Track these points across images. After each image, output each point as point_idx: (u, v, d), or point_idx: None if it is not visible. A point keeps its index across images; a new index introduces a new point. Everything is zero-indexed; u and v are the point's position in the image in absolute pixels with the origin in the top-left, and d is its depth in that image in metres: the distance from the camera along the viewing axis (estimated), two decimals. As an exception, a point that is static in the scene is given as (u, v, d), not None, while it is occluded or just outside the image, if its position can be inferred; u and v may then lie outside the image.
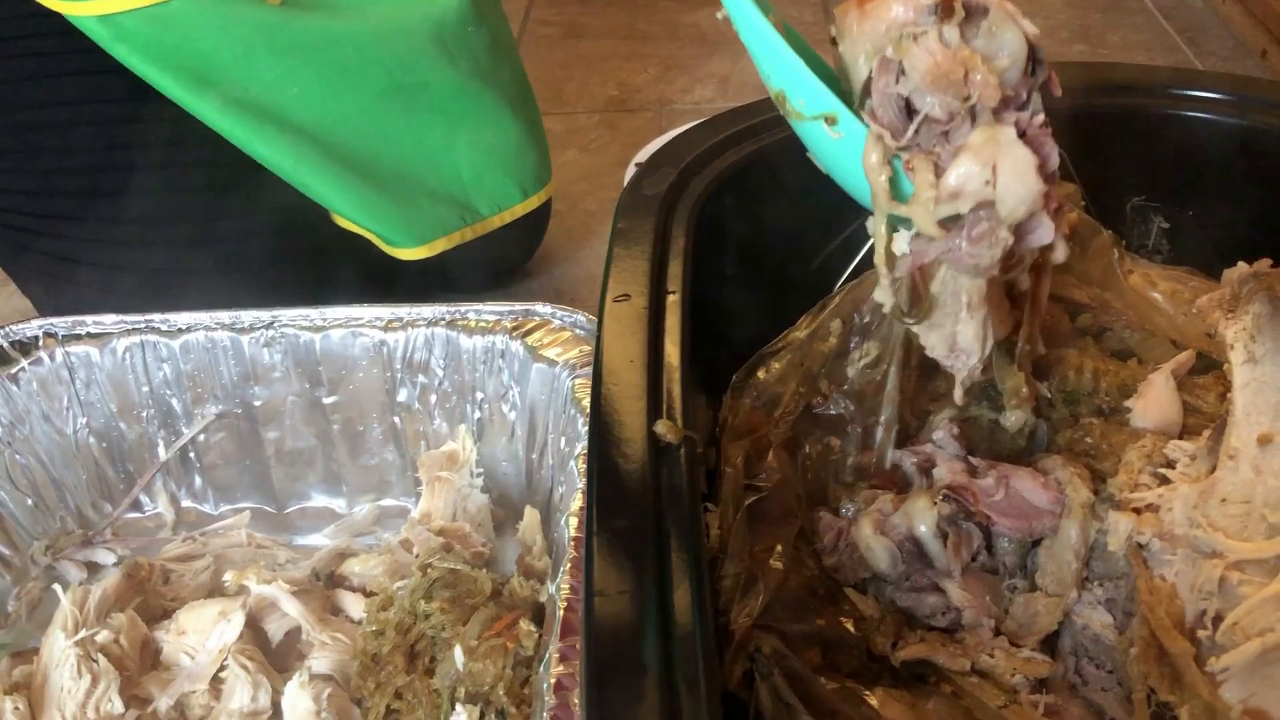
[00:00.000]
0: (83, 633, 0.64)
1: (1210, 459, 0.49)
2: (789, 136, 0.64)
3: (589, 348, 0.71)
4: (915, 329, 0.49)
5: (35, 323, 0.75)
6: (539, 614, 0.65)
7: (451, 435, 0.77)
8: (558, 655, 0.53)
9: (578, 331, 0.73)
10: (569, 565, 0.58)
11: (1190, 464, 0.50)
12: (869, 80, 0.45)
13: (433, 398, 0.76)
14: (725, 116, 0.68)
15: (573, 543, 0.59)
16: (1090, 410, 0.57)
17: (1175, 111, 0.69)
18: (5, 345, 0.74)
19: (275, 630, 0.67)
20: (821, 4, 1.43)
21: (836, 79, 0.48)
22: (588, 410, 0.65)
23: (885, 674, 0.50)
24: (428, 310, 0.74)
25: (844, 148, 0.47)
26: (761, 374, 0.60)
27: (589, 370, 0.69)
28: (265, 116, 0.79)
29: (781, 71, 0.48)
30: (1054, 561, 0.50)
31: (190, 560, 0.73)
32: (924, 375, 0.59)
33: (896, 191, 0.45)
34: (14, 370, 0.73)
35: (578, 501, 0.62)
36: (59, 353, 0.74)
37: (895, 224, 0.47)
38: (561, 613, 0.56)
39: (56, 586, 0.68)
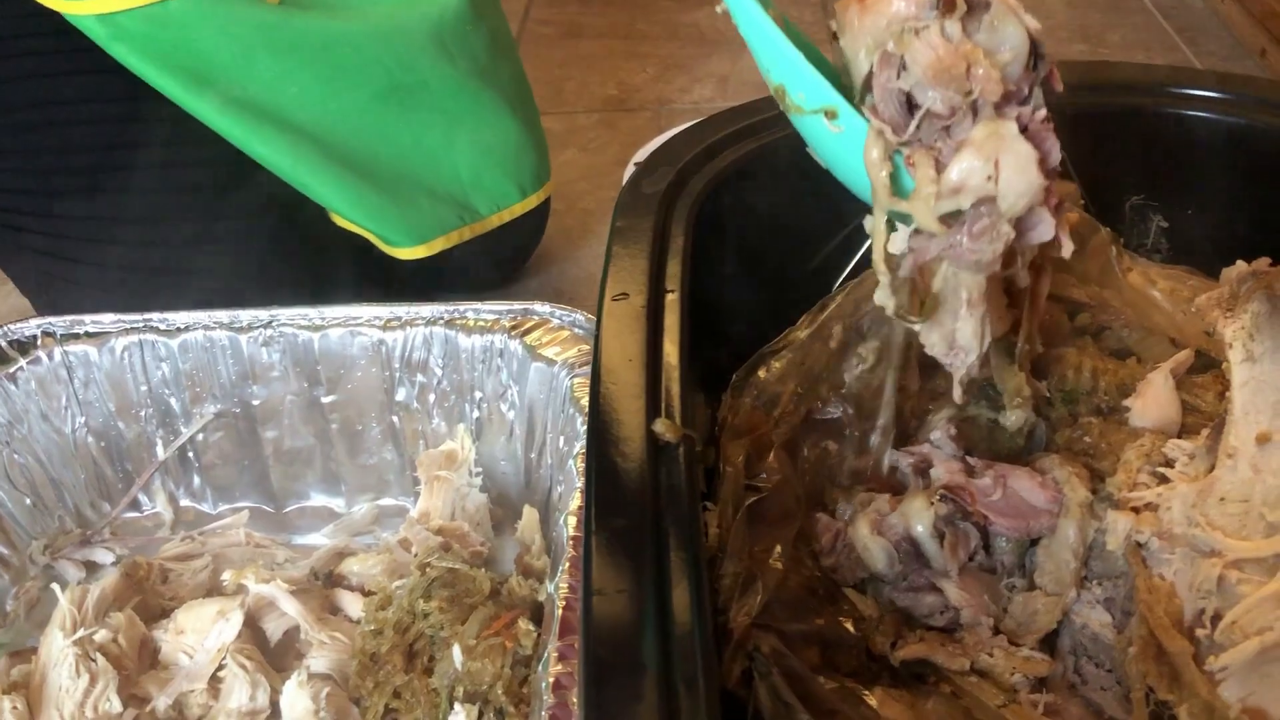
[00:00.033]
0: (81, 632, 0.64)
1: (1209, 458, 0.49)
2: (788, 135, 0.65)
3: (588, 347, 0.71)
4: (917, 328, 0.49)
5: (34, 322, 0.75)
6: (537, 613, 0.65)
7: (450, 434, 0.77)
8: (556, 654, 0.53)
9: (576, 330, 0.73)
10: (567, 564, 0.58)
11: (1189, 463, 0.50)
12: (870, 75, 0.45)
13: (431, 397, 0.76)
14: (724, 115, 0.68)
15: (571, 542, 0.59)
16: (1089, 409, 0.57)
17: (1174, 111, 0.69)
18: (4, 344, 0.74)
19: (274, 629, 0.67)
20: (821, 3, 1.43)
21: (836, 74, 0.48)
22: (586, 409, 0.65)
23: (884, 673, 0.50)
24: (426, 309, 0.74)
25: (844, 142, 0.47)
26: (762, 373, 0.60)
27: (588, 369, 0.69)
28: (264, 116, 0.79)
29: (781, 65, 0.48)
30: (1052, 561, 0.50)
31: (189, 559, 0.73)
32: (924, 375, 0.59)
33: (897, 187, 0.45)
34: (12, 369, 0.73)
35: (576, 500, 0.62)
36: (57, 352, 0.74)
37: (894, 221, 0.47)
38: (560, 612, 0.56)
39: (55, 586, 0.68)
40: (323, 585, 0.71)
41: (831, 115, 0.46)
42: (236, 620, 0.65)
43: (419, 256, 0.88)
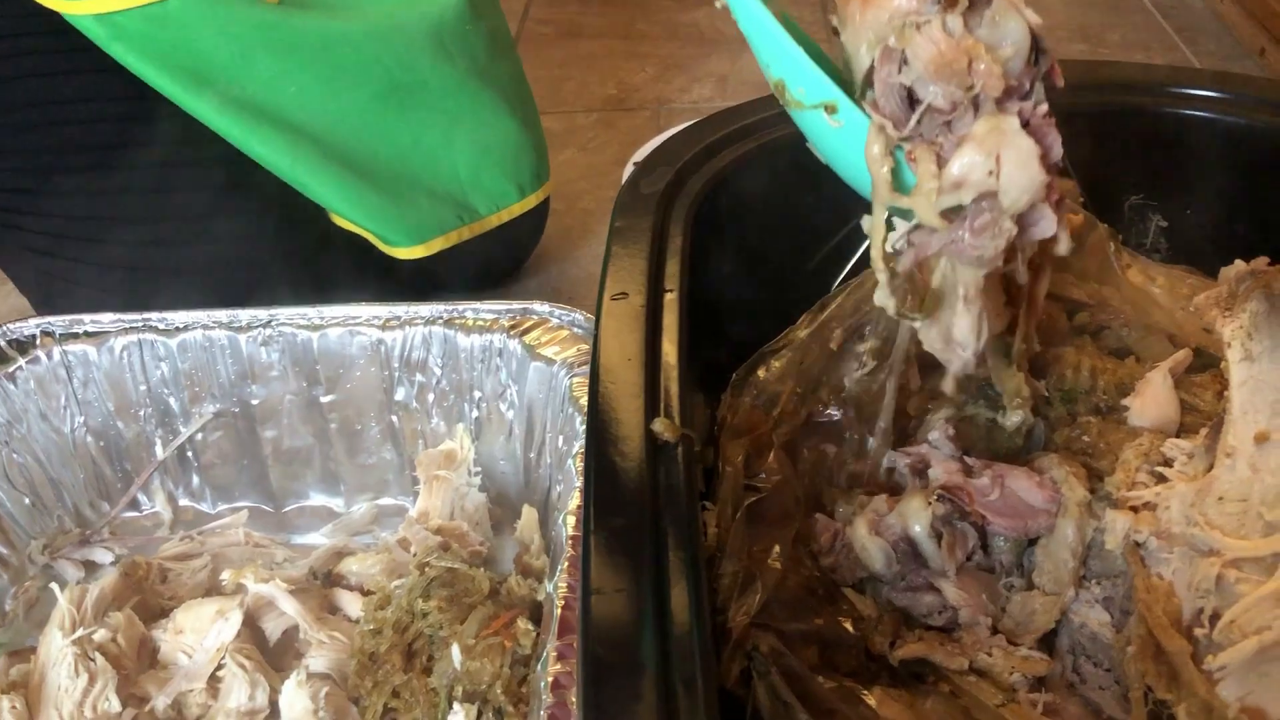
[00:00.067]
0: (80, 631, 0.64)
1: (1207, 457, 0.49)
2: (786, 135, 0.65)
3: (587, 346, 0.71)
4: (917, 325, 0.49)
5: (33, 321, 0.75)
6: (536, 613, 0.65)
7: (449, 434, 0.77)
8: (555, 654, 0.53)
9: (575, 330, 0.73)
10: (566, 564, 0.58)
11: (1187, 462, 0.50)
12: (871, 70, 0.45)
13: (430, 396, 0.76)
14: (723, 115, 0.68)
15: (570, 541, 0.59)
16: (1088, 409, 0.57)
17: (1174, 110, 0.69)
18: (3, 344, 0.73)
19: (273, 629, 0.67)
20: (820, 3, 1.43)
21: (835, 70, 0.48)
22: (585, 409, 0.65)
23: (883, 673, 0.50)
24: (425, 309, 0.74)
25: (844, 138, 0.47)
26: (761, 372, 0.60)
27: (587, 369, 0.69)
28: (263, 116, 0.79)
29: (781, 60, 0.48)
30: (1051, 560, 0.50)
31: (188, 559, 0.73)
32: (923, 375, 0.59)
33: (898, 183, 0.45)
34: (11, 369, 0.73)
35: (575, 500, 0.62)
36: (56, 351, 0.74)
37: (893, 217, 0.47)
38: (559, 611, 0.56)
39: (54, 585, 0.68)
40: (322, 585, 0.71)
41: (831, 110, 0.46)
42: (235, 620, 0.65)
43: (418, 256, 0.88)
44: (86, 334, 0.74)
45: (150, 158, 0.80)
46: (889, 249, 0.47)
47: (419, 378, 0.75)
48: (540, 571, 0.68)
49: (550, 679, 0.52)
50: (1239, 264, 0.52)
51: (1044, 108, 0.44)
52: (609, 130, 1.28)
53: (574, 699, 0.51)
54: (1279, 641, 0.42)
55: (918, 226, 0.46)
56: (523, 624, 0.62)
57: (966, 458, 0.54)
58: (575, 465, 0.64)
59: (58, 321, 0.74)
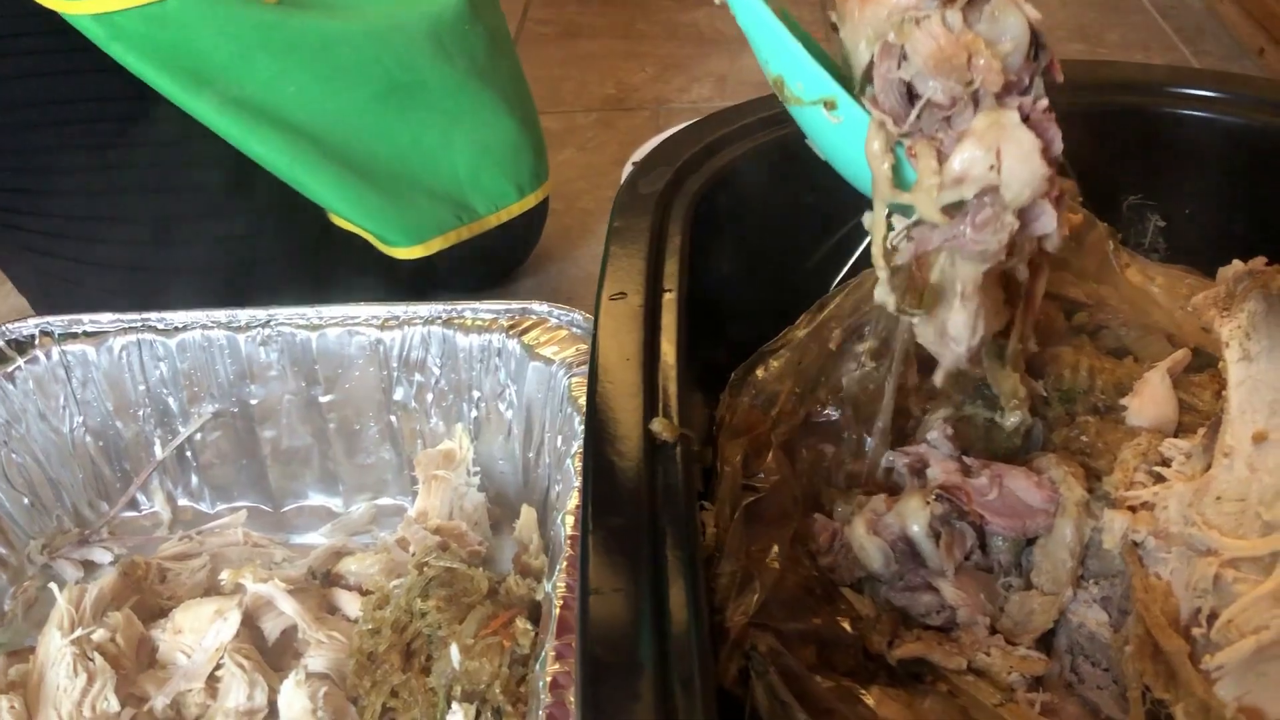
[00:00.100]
0: (79, 631, 0.64)
1: (1205, 457, 0.49)
2: (785, 135, 0.65)
3: (586, 346, 0.71)
4: (915, 322, 0.49)
5: (32, 321, 0.75)
6: (535, 612, 0.65)
7: (448, 434, 0.77)
8: (554, 653, 0.53)
9: (574, 330, 0.73)
10: (565, 564, 0.58)
11: (1186, 462, 0.50)
12: (870, 66, 0.44)
13: (429, 396, 0.76)
14: (721, 115, 0.68)
15: (569, 541, 0.59)
16: (1086, 408, 0.57)
17: (1172, 110, 0.69)
18: (1, 344, 0.74)
19: (271, 629, 0.67)
20: (819, 1, 1.43)
21: (834, 66, 0.48)
22: (584, 409, 0.65)
23: (882, 673, 0.50)
24: (424, 309, 0.74)
25: (843, 134, 0.46)
26: (760, 372, 0.60)
27: (585, 369, 0.69)
28: (262, 116, 0.79)
29: (780, 56, 0.47)
30: (1049, 560, 0.50)
31: (187, 559, 0.73)
32: (922, 374, 0.59)
33: (899, 179, 0.45)
34: (10, 369, 0.73)
35: (574, 500, 0.62)
36: (55, 351, 0.74)
37: (894, 213, 0.47)
38: (557, 611, 0.56)
39: (53, 585, 0.68)
40: (320, 584, 0.71)
41: (830, 106, 0.46)
42: (234, 620, 0.65)
43: (416, 256, 0.88)
44: (85, 334, 0.74)
45: (149, 158, 0.80)
46: (889, 245, 0.47)
47: (418, 377, 0.75)
48: (539, 571, 0.68)
49: (549, 679, 0.52)
50: (1237, 264, 0.52)
51: (1044, 102, 0.44)
52: (608, 130, 1.28)
53: (572, 698, 0.51)
54: (1277, 641, 0.42)
55: (918, 222, 0.46)
56: (521, 624, 0.62)
57: (965, 457, 0.54)
58: (574, 465, 0.65)
59: (56, 321, 0.74)
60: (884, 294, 0.48)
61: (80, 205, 0.81)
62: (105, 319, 0.74)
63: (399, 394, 0.76)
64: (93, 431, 0.76)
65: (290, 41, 0.79)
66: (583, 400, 0.67)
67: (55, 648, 0.63)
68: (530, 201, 0.94)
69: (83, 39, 0.73)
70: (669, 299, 0.54)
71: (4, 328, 0.74)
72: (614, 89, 1.38)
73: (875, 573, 0.52)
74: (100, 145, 0.79)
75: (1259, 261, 0.51)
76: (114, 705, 0.62)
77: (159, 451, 0.77)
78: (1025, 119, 0.43)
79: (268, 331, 0.74)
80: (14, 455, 0.73)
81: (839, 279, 0.63)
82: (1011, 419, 0.55)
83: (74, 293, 0.84)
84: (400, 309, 0.74)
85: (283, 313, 0.74)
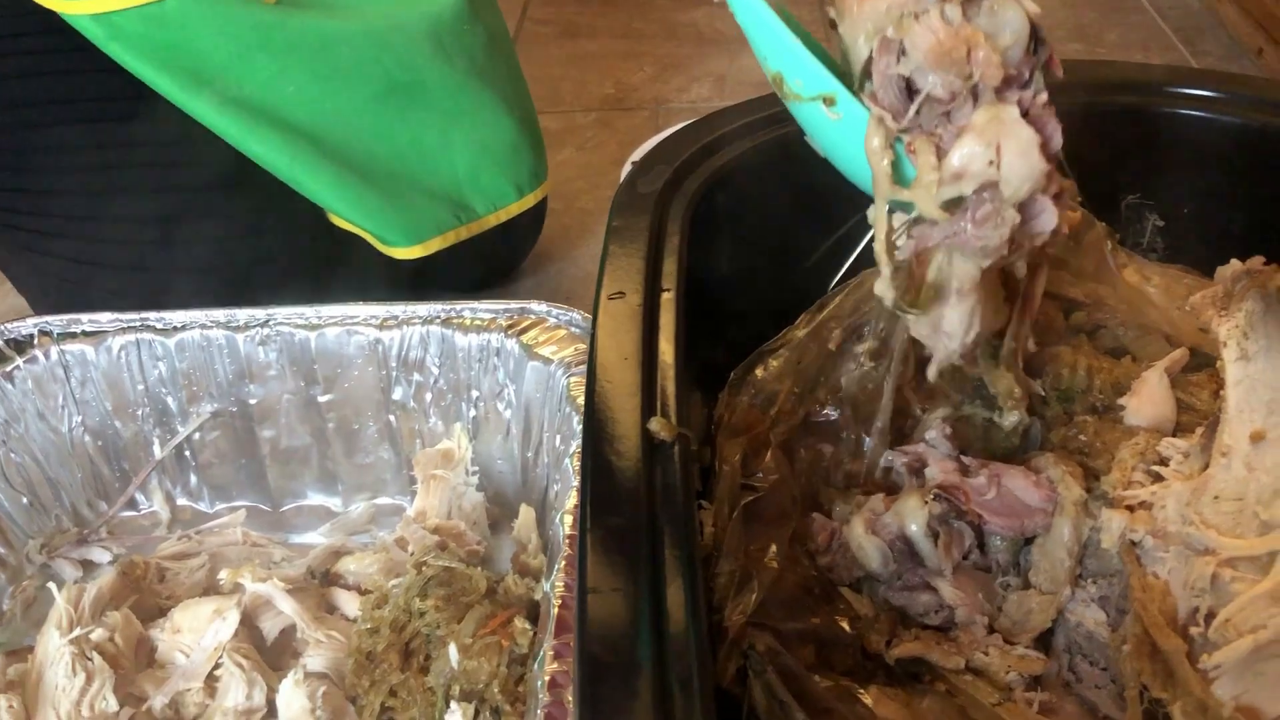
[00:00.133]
0: (77, 631, 0.64)
1: (1203, 456, 0.49)
2: (784, 134, 0.65)
3: (584, 346, 0.71)
4: (912, 318, 0.49)
5: (30, 321, 0.75)
6: (534, 612, 0.65)
7: (447, 433, 0.77)
8: (552, 653, 0.53)
9: (573, 330, 0.73)
10: (563, 563, 0.58)
11: (1183, 461, 0.50)
12: (869, 62, 0.44)
13: (428, 396, 0.76)
14: (720, 115, 0.68)
15: (567, 541, 0.59)
16: (1084, 408, 0.57)
17: (1171, 110, 0.69)
18: (0, 343, 0.73)
19: (270, 628, 0.67)
20: (818, 0, 1.43)
21: (833, 63, 0.48)
22: (583, 408, 0.65)
23: (880, 672, 0.50)
24: (423, 308, 0.74)
25: (843, 130, 0.46)
26: (759, 372, 0.60)
27: (584, 368, 0.69)
28: (261, 115, 0.79)
29: (778, 52, 0.47)
30: (1047, 559, 0.50)
31: (185, 558, 0.73)
32: (920, 374, 0.59)
33: (898, 175, 0.45)
34: (9, 368, 0.73)
35: (573, 499, 0.62)
36: (54, 351, 0.74)
37: (895, 209, 0.47)
38: (556, 610, 0.56)
39: (51, 585, 0.68)
40: (319, 584, 0.71)
41: (830, 102, 0.46)
42: (233, 619, 0.65)
43: (415, 256, 0.88)
44: (84, 333, 0.74)
45: (149, 158, 0.80)
46: (892, 241, 0.47)
47: (416, 377, 0.75)
48: (537, 571, 0.69)
49: (547, 678, 0.52)
50: (1235, 263, 0.52)
51: (1043, 97, 0.44)
52: (607, 130, 1.28)
53: (570, 698, 0.51)
54: (1274, 640, 0.42)
55: (919, 219, 0.46)
56: (520, 623, 0.62)
57: (963, 457, 0.54)
58: (572, 464, 0.65)
59: (55, 321, 0.74)
60: (884, 289, 0.48)
61: (80, 205, 0.81)
62: (104, 318, 0.74)
63: (398, 393, 0.76)
64: (91, 431, 0.76)
65: (289, 41, 0.79)
66: (581, 400, 0.67)
67: (54, 647, 0.63)
68: (529, 201, 0.94)
69: (82, 39, 0.73)
70: (667, 298, 0.54)
71: (3, 327, 0.74)
72: (613, 89, 1.38)
73: (873, 572, 0.52)
74: (100, 145, 0.79)
75: (1257, 261, 0.51)
76: (112, 705, 0.62)
77: (158, 451, 0.77)
78: (1025, 114, 0.43)
79: (266, 331, 0.74)
80: (13, 455, 0.73)
81: (838, 278, 0.63)
82: (1009, 418, 0.55)
83: (73, 292, 0.84)
84: (399, 308, 0.74)
85: (281, 312, 0.74)
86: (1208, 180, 0.68)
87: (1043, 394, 0.57)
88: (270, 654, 0.67)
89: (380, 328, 0.74)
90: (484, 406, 0.76)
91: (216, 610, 0.66)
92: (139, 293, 0.81)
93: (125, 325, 0.74)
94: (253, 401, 0.76)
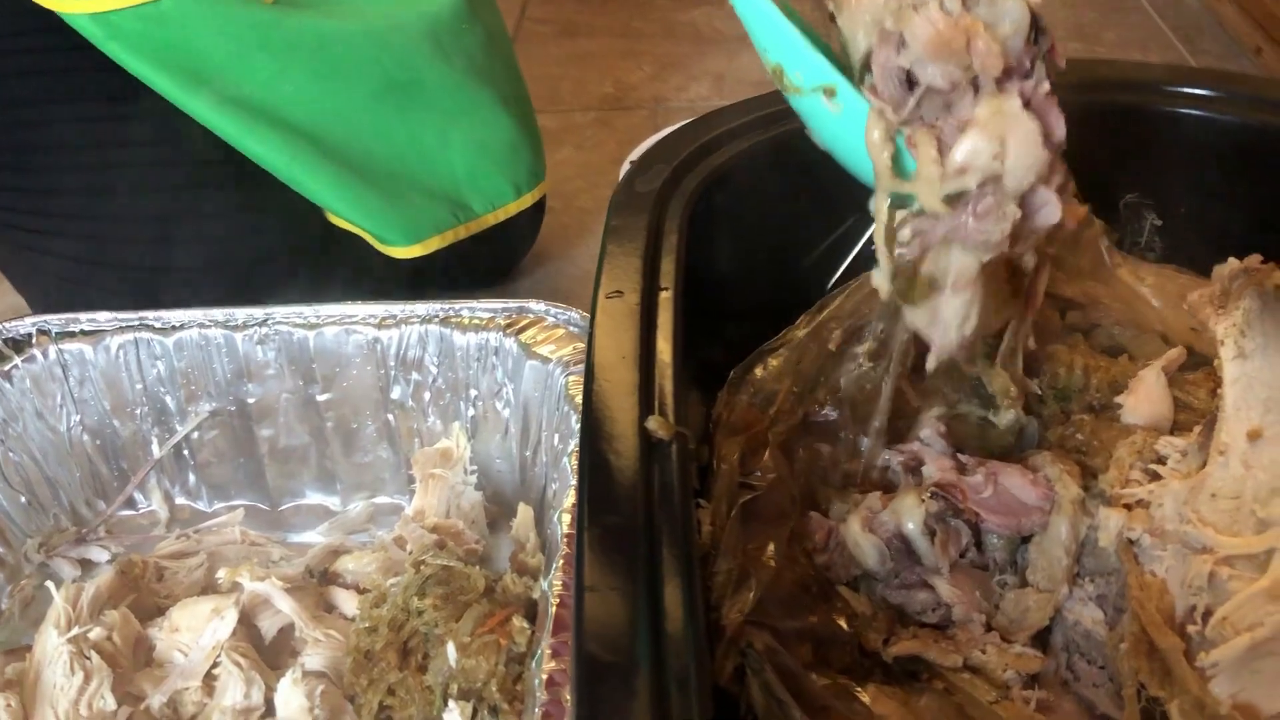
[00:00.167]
0: (76, 630, 0.64)
1: (1201, 455, 0.49)
2: (782, 133, 0.65)
3: (583, 345, 0.71)
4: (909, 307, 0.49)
5: (29, 320, 0.75)
6: (532, 610, 0.65)
7: (445, 432, 0.77)
8: (550, 651, 0.53)
9: (571, 329, 0.73)
10: (562, 562, 0.58)
11: (1181, 460, 0.50)
12: (869, 54, 0.44)
13: (426, 395, 0.76)
14: (719, 113, 0.68)
15: (565, 539, 0.59)
16: (1081, 407, 0.57)
17: (1169, 109, 0.69)
18: (-1, 342, 0.74)
19: (268, 627, 0.67)
20: None
21: (833, 55, 0.48)
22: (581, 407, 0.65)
23: (877, 670, 0.50)
24: (421, 308, 0.74)
25: (844, 123, 0.46)
26: (759, 371, 0.60)
27: (583, 367, 0.69)
28: (259, 114, 0.79)
29: (778, 43, 0.47)
30: (1044, 558, 0.50)
31: (184, 557, 0.73)
32: (916, 372, 0.59)
33: (899, 168, 0.45)
34: (7, 367, 0.73)
35: (571, 498, 0.62)
36: (52, 350, 0.74)
37: (897, 203, 0.47)
38: (554, 609, 0.56)
39: (50, 584, 0.68)
40: (317, 583, 0.71)
41: (830, 94, 0.46)
42: (231, 618, 0.65)
43: (414, 255, 0.88)
44: (83, 332, 0.74)
45: (145, 156, 0.80)
46: (893, 229, 0.47)
47: (415, 376, 0.75)
48: (536, 569, 0.69)
49: (545, 676, 0.52)
50: (1232, 261, 0.52)
51: (1045, 87, 0.43)
52: (606, 129, 1.28)
53: (568, 696, 0.51)
54: (1271, 638, 0.42)
55: (920, 212, 0.45)
56: (518, 622, 0.62)
57: (960, 455, 0.54)
58: (571, 463, 0.64)
59: (54, 320, 0.74)
60: (881, 279, 0.48)
61: (79, 204, 0.81)
62: (102, 318, 0.74)
63: (396, 392, 0.76)
64: (90, 430, 0.76)
65: (288, 41, 0.79)
66: (580, 398, 0.67)
67: (52, 646, 0.63)
68: (528, 200, 0.94)
69: (80, 38, 0.73)
70: (665, 297, 0.54)
71: (1, 326, 0.74)
72: (612, 88, 1.38)
73: (870, 570, 0.52)
74: (99, 144, 0.79)
75: (1254, 259, 0.51)
76: (111, 704, 0.62)
77: (156, 450, 0.77)
78: (1027, 104, 0.43)
79: (265, 330, 0.74)
80: (11, 454, 0.73)
81: (836, 277, 0.63)
82: (1005, 417, 0.55)
83: (72, 291, 0.84)
84: (397, 308, 0.74)
85: (280, 311, 0.74)
86: (1206, 179, 0.68)
87: (1039, 393, 0.57)
88: (268, 653, 0.67)
89: (379, 327, 0.74)
90: (482, 405, 0.76)
91: (215, 609, 0.66)
92: (138, 292, 0.81)
93: (124, 324, 0.74)
94: (251, 400, 0.76)
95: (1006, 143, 0.42)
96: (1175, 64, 1.33)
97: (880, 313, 0.57)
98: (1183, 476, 0.49)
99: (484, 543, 0.73)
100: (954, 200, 0.44)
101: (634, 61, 1.43)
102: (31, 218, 0.83)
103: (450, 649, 0.61)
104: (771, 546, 0.50)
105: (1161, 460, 0.51)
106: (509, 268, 1.02)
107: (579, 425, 0.65)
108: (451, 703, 0.60)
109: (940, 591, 0.51)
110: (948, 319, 0.47)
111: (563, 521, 0.61)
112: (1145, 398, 0.55)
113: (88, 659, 0.63)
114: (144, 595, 0.70)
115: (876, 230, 0.47)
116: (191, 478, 0.78)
